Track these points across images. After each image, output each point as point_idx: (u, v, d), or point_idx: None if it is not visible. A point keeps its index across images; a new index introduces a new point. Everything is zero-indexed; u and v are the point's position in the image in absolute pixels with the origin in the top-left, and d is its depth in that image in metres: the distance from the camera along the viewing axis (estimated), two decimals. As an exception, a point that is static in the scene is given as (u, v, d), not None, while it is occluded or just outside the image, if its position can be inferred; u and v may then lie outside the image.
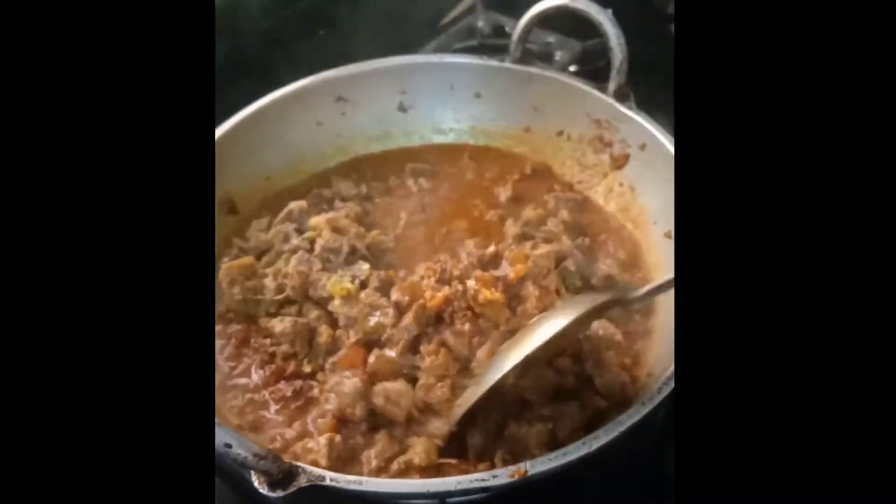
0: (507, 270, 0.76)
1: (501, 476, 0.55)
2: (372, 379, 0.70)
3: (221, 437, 0.51)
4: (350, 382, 0.69)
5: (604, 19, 0.88)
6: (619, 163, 0.93)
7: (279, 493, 0.54)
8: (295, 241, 0.84)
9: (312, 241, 0.83)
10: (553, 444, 0.66)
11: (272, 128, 0.95)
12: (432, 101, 1.02)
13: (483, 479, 0.55)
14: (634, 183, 0.91)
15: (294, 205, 0.88)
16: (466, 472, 0.61)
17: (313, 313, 0.77)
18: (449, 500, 0.70)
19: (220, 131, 0.89)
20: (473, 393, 0.66)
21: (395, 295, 0.75)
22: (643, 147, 0.89)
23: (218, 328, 0.79)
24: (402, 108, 1.02)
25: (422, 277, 0.77)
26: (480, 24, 1.19)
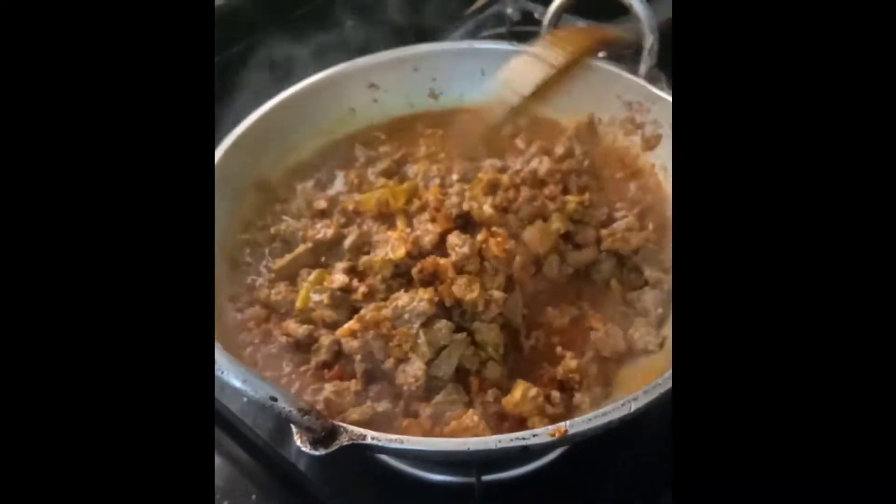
0: None
1: (541, 435, 0.55)
2: None
3: (266, 390, 0.52)
4: None
5: (634, 1, 0.89)
6: (651, 144, 0.93)
7: (321, 451, 0.55)
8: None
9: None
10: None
11: (305, 114, 0.96)
12: (462, 86, 1.03)
13: (523, 438, 0.55)
14: (667, 163, 0.91)
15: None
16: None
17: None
18: (485, 476, 0.71)
19: (253, 118, 0.91)
20: None
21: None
22: (675, 127, 0.89)
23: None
24: (432, 95, 1.04)
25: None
26: (509, 11, 1.20)
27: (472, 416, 0.63)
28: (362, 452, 0.56)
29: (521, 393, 0.66)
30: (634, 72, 0.92)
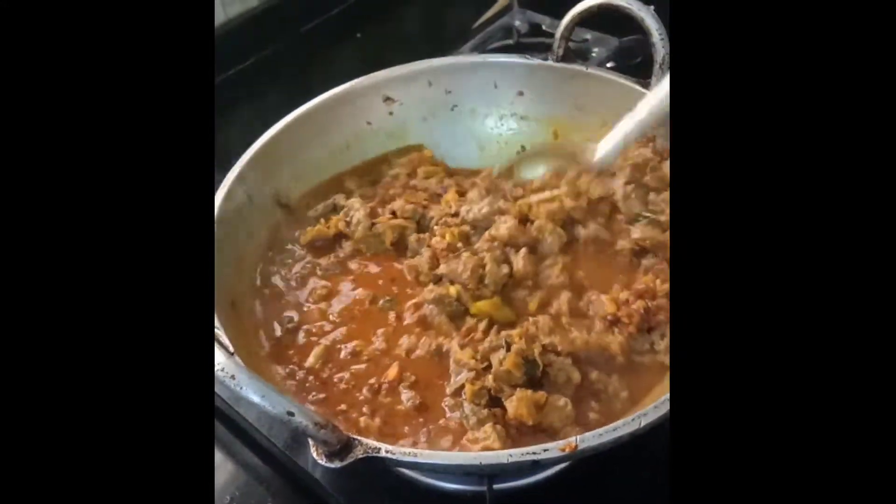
0: None
1: (552, 450, 0.57)
2: None
3: (284, 405, 0.53)
4: None
5: (646, 15, 0.90)
6: (662, 156, 0.93)
7: (337, 464, 0.56)
8: None
9: None
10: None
11: (322, 128, 0.98)
12: (476, 99, 1.05)
13: (534, 453, 0.57)
14: (678, 176, 0.92)
15: None
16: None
17: None
18: (496, 485, 0.72)
19: (270, 133, 0.93)
20: None
21: None
22: (686, 140, 0.90)
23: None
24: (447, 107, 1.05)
25: None
26: (517, 23, 1.21)
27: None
28: (377, 465, 0.58)
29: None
30: (645, 85, 0.93)
